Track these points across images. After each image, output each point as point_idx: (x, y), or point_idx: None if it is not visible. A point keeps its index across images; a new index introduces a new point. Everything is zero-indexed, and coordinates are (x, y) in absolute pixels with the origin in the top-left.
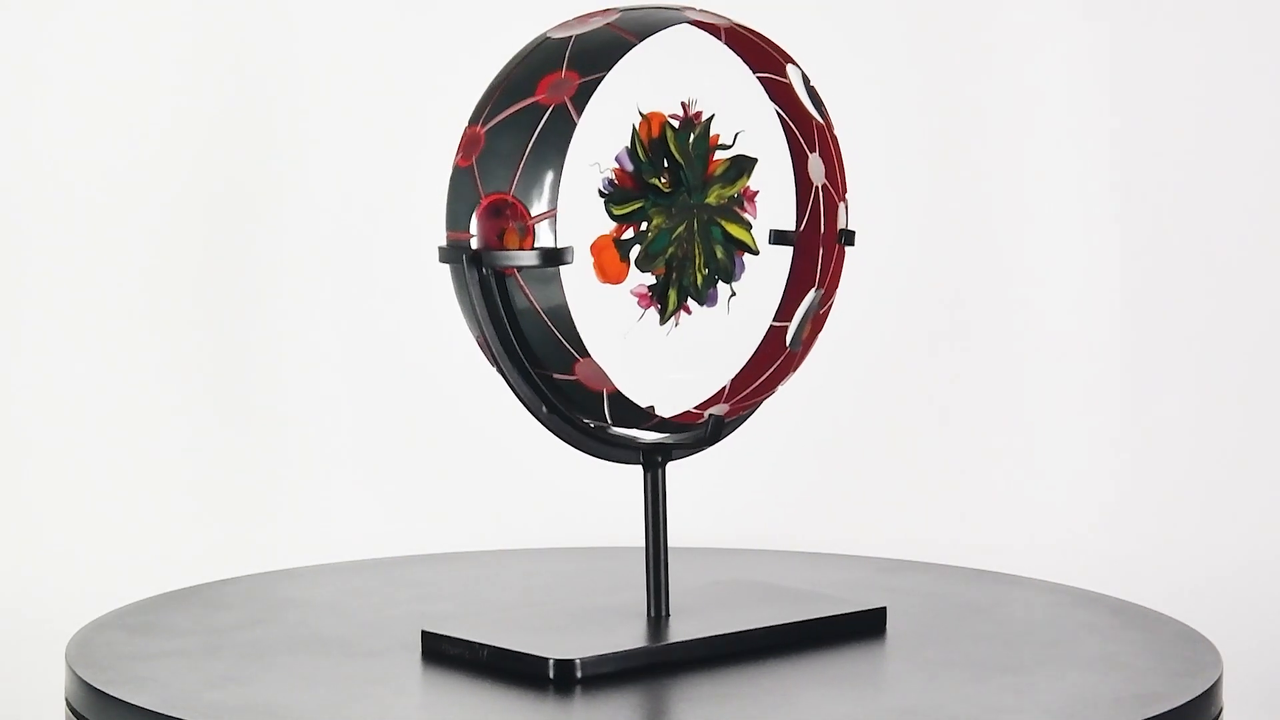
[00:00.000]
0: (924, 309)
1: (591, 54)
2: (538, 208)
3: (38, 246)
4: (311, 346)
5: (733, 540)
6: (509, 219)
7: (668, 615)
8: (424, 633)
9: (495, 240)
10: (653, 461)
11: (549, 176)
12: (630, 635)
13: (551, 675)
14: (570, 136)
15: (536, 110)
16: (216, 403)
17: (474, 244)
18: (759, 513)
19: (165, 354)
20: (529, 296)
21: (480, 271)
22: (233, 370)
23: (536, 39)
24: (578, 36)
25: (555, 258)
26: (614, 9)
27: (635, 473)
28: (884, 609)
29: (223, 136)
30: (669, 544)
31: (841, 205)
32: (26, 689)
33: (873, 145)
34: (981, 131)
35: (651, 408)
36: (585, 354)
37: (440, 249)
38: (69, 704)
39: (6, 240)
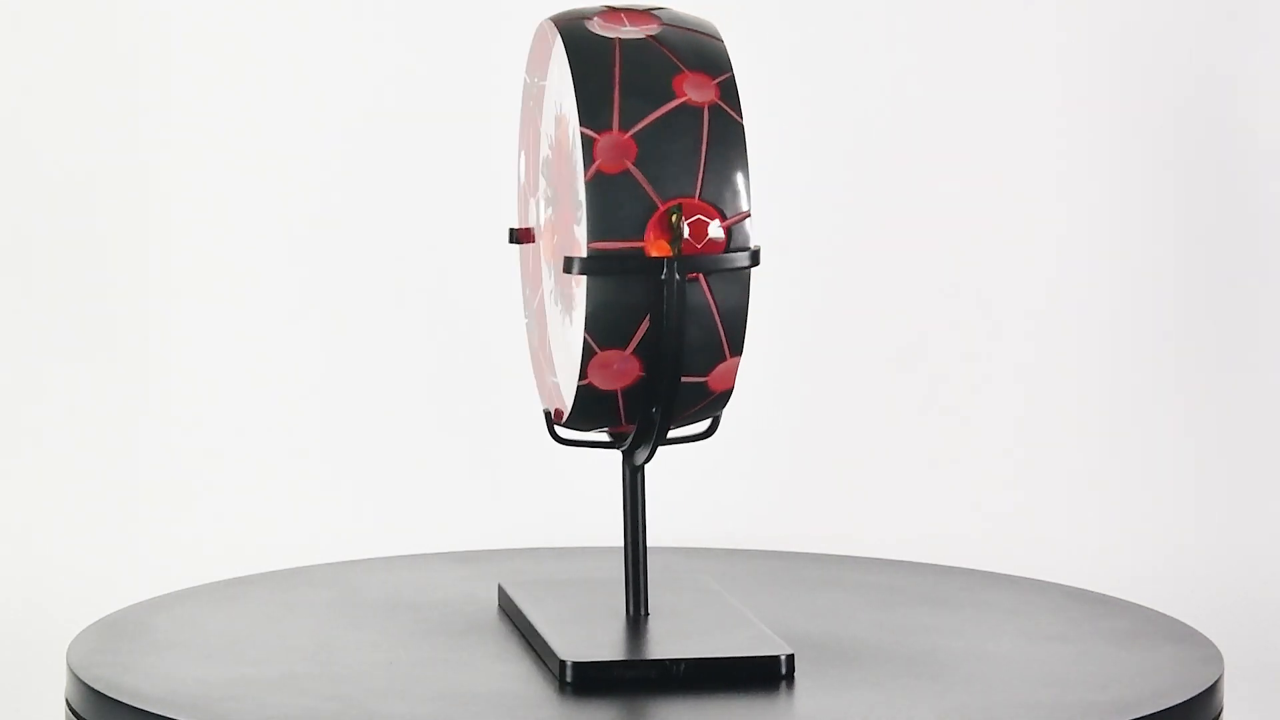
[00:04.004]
0: (911, 308)
1: (699, 54)
2: (730, 209)
3: (37, 244)
4: (307, 349)
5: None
6: (712, 222)
7: (647, 614)
8: (576, 664)
9: (695, 245)
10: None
11: (736, 177)
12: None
13: (784, 672)
14: (743, 136)
15: (690, 112)
16: (216, 403)
17: (652, 250)
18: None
19: (167, 354)
20: (711, 298)
21: (677, 278)
22: (232, 372)
23: (587, 38)
24: (654, 37)
25: (757, 257)
26: (631, 9)
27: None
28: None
29: (172, 139)
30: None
31: None
32: (26, 689)
33: (867, 151)
34: (950, 136)
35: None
36: (740, 352)
37: (608, 258)
38: (69, 704)
39: (9, 242)
